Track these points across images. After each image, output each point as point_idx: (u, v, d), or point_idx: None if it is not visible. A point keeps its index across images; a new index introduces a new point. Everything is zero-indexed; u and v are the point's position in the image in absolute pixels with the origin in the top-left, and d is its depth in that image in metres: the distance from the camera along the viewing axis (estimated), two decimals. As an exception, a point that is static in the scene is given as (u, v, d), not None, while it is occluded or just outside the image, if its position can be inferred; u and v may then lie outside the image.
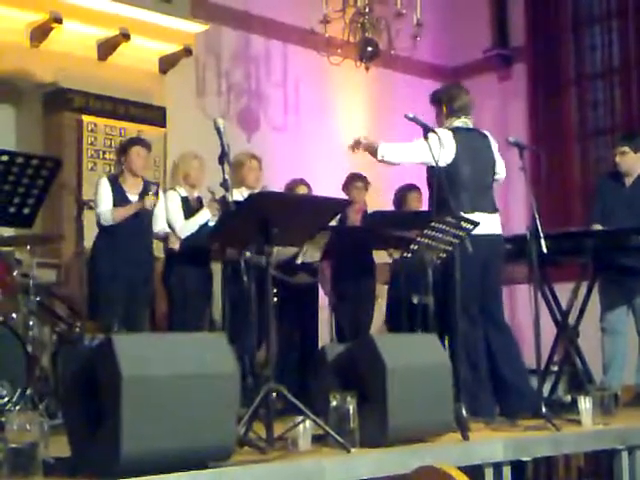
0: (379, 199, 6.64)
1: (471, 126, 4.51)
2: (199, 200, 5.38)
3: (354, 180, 6.10)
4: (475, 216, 4.18)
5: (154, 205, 5.13)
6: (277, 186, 5.70)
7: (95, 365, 2.59)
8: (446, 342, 3.99)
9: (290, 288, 5.41)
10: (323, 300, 5.97)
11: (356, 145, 4.40)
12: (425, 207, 5.82)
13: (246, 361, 4.63)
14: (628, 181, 5.23)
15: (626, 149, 5.19)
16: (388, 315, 6.03)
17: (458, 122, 4.45)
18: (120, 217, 5.01)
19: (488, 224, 4.29)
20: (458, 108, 4.46)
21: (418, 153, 4.28)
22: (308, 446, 3.05)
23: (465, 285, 4.19)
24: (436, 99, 4.56)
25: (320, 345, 5.75)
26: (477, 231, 4.08)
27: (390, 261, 6.02)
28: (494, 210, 4.42)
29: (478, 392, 4.24)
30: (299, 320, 5.55)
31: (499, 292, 4.34)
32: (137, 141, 5.29)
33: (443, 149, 4.20)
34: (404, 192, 6.08)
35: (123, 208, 5.06)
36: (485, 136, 4.57)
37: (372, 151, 4.32)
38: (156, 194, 5.18)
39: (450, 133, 4.34)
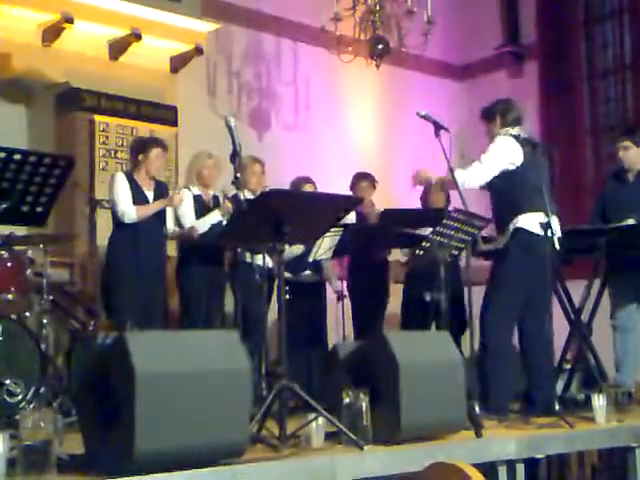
0: (391, 197, 6.65)
1: (525, 135, 4.59)
2: (215, 199, 5.38)
3: (360, 179, 6.12)
4: (542, 217, 4.26)
5: (180, 203, 5.13)
6: (288, 185, 5.70)
7: (108, 363, 2.60)
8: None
9: (298, 286, 5.42)
10: (331, 297, 5.99)
11: (426, 180, 4.50)
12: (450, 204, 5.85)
13: (257, 359, 4.64)
14: (631, 176, 5.21)
15: (628, 144, 5.16)
16: (404, 313, 6.02)
17: (514, 131, 4.53)
18: (145, 214, 5.01)
19: (556, 227, 4.32)
20: (513, 119, 4.58)
21: (495, 167, 4.40)
22: (321, 443, 3.06)
23: (516, 283, 4.24)
24: (489, 112, 4.65)
25: (328, 342, 5.76)
26: (542, 232, 4.21)
27: (403, 259, 6.03)
28: (555, 213, 4.42)
29: (495, 387, 4.25)
30: (307, 317, 5.56)
31: (547, 293, 4.32)
32: (157, 142, 5.24)
33: (512, 153, 4.35)
34: (428, 188, 6.10)
35: (149, 205, 5.06)
36: (538, 144, 4.63)
37: (451, 185, 4.35)
38: (166, 194, 5.19)
39: (512, 139, 4.43)
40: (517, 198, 4.39)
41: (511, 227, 4.40)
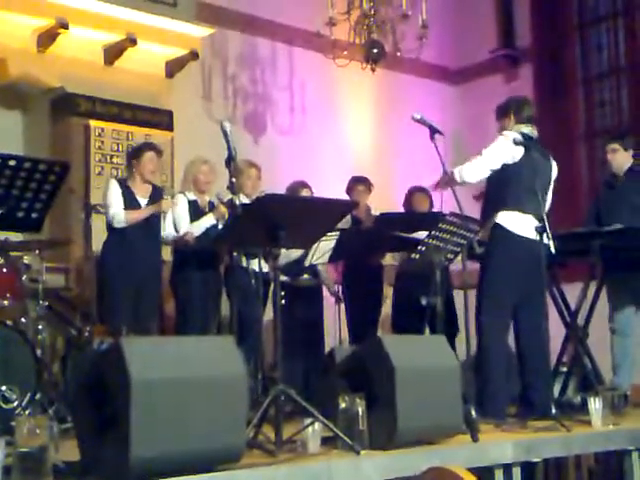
0: (387, 201, 6.65)
1: (536, 136, 4.57)
2: (211, 205, 5.38)
3: (356, 183, 6.14)
4: (528, 218, 4.31)
5: (169, 208, 5.14)
6: (284, 190, 5.70)
7: (104, 369, 2.59)
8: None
9: (294, 290, 5.42)
10: (327, 301, 5.99)
11: (436, 188, 4.50)
12: (435, 209, 5.87)
13: (253, 363, 4.63)
14: (619, 180, 5.23)
15: (617, 146, 5.20)
16: (394, 316, 6.03)
17: (525, 129, 4.51)
18: (134, 219, 5.04)
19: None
20: (526, 118, 4.57)
21: (495, 161, 4.39)
22: (317, 448, 3.05)
23: (500, 283, 4.25)
24: (504, 108, 4.64)
25: (325, 346, 5.77)
26: (525, 233, 4.28)
27: (395, 263, 6.05)
28: (543, 218, 4.42)
29: (491, 391, 4.25)
30: (304, 322, 5.56)
31: (540, 295, 4.33)
32: (150, 146, 5.30)
33: (514, 148, 4.32)
34: (411, 193, 6.13)
35: (138, 210, 5.08)
36: (546, 151, 4.63)
37: (451, 183, 4.32)
38: (171, 198, 5.21)
39: (519, 134, 4.40)
40: (504, 194, 4.39)
41: (492, 221, 4.41)
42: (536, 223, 4.28)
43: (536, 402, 4.28)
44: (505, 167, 4.39)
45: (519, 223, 4.36)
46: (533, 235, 4.26)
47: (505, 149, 4.36)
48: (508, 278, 4.34)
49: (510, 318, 4.43)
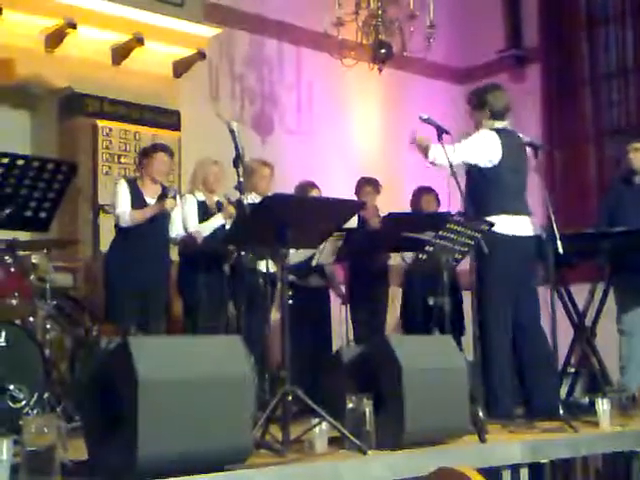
0: (394, 200, 6.64)
1: (510, 128, 4.51)
2: (219, 205, 5.38)
3: (364, 185, 6.13)
4: (513, 218, 4.30)
5: (174, 207, 5.14)
6: (291, 189, 5.70)
7: (112, 368, 2.60)
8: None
9: (302, 290, 5.41)
10: (335, 302, 5.98)
11: (412, 141, 4.37)
12: (441, 209, 5.85)
13: (260, 363, 4.63)
14: (638, 179, 5.21)
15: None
16: (403, 317, 6.03)
17: (499, 124, 4.46)
18: (139, 218, 5.03)
19: (523, 226, 4.31)
20: (501, 110, 4.48)
21: (469, 154, 4.32)
22: (324, 448, 3.05)
23: (495, 283, 4.24)
24: (479, 100, 4.53)
25: (332, 346, 5.76)
26: (513, 232, 4.27)
27: (403, 263, 6.04)
28: (529, 212, 4.41)
29: (498, 392, 4.24)
30: (312, 322, 5.55)
31: (533, 293, 4.30)
32: (161, 147, 5.30)
33: (491, 150, 4.28)
34: (419, 194, 6.12)
35: (142, 210, 5.08)
36: (520, 138, 4.57)
37: (424, 153, 4.29)
38: (174, 198, 5.21)
39: (495, 134, 4.36)
40: (488, 200, 4.35)
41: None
42: (525, 221, 4.26)
43: (540, 401, 4.25)
44: (485, 171, 4.34)
45: (506, 225, 4.32)
46: (524, 232, 4.24)
47: (483, 146, 4.32)
48: (502, 277, 4.30)
49: (510, 317, 4.41)
